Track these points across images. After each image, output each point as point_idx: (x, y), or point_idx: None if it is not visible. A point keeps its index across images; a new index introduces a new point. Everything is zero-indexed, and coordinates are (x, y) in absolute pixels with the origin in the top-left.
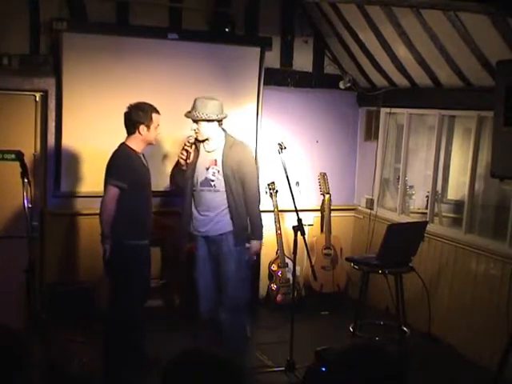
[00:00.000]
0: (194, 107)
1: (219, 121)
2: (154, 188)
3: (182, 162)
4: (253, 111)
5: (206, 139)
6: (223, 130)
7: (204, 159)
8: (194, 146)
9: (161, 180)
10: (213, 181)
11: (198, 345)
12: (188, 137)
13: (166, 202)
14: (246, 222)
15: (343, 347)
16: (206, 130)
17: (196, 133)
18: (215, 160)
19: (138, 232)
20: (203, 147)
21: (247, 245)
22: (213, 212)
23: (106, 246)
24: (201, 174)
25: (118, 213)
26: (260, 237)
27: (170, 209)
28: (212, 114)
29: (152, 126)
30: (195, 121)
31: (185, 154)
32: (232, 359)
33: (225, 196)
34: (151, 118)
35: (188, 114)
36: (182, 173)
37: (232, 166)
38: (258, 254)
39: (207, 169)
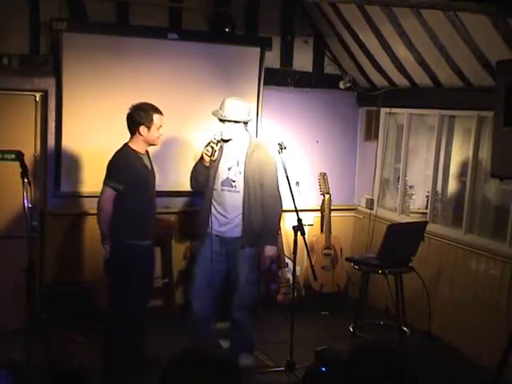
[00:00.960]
0: (222, 106)
1: (245, 123)
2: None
3: (207, 158)
4: (253, 111)
5: (231, 139)
6: (247, 131)
7: (227, 159)
8: (219, 144)
9: (161, 180)
10: (234, 181)
11: (196, 344)
12: (214, 134)
13: (167, 202)
14: (258, 227)
15: (344, 348)
16: (232, 130)
17: (222, 132)
18: (238, 161)
19: (138, 232)
20: (227, 147)
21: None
22: (231, 213)
23: (105, 245)
24: (223, 174)
25: (117, 213)
26: (272, 242)
27: (171, 210)
28: (240, 115)
29: (153, 127)
30: (222, 120)
31: (210, 150)
32: (231, 359)
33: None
34: (152, 119)
35: (215, 113)
36: (205, 170)
37: (254, 168)
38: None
39: (229, 169)
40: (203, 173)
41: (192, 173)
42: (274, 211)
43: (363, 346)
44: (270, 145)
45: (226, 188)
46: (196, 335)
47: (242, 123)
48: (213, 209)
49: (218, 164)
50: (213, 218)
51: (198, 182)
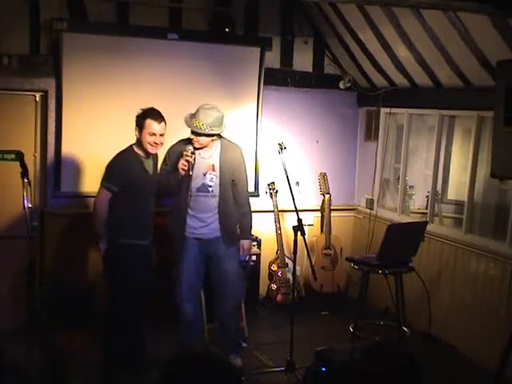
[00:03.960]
0: (196, 117)
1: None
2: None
3: (183, 172)
4: (253, 111)
5: (203, 147)
6: (219, 134)
7: (201, 165)
8: (193, 156)
9: None
10: (210, 186)
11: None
12: (187, 144)
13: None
14: (235, 225)
15: (344, 348)
16: (206, 140)
17: (195, 141)
18: (213, 165)
19: (133, 232)
20: (199, 153)
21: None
22: (208, 214)
23: (100, 245)
24: (198, 180)
25: (112, 213)
26: (249, 236)
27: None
28: (215, 128)
29: (144, 131)
30: (195, 132)
31: (187, 164)
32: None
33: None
34: (144, 122)
35: (190, 124)
36: (177, 180)
37: (228, 168)
38: (258, 255)
39: (204, 174)
40: (175, 183)
41: (162, 182)
42: (248, 207)
43: (372, 348)
44: (236, 141)
45: (201, 194)
46: (188, 337)
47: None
48: (188, 213)
49: (192, 172)
50: (189, 221)
51: (169, 191)
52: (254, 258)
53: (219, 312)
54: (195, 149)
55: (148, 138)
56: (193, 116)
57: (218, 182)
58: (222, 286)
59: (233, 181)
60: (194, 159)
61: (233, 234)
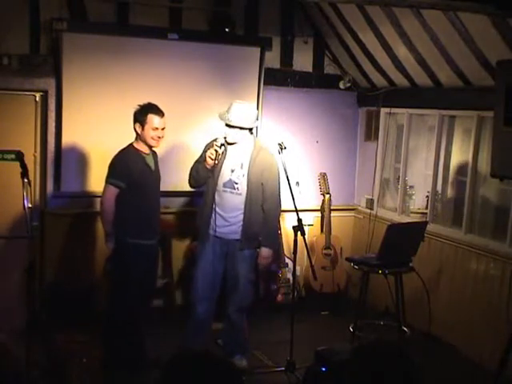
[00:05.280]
0: (229, 110)
1: (251, 129)
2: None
3: (210, 161)
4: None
5: (235, 143)
6: (252, 134)
7: (230, 161)
8: (222, 147)
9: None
10: (237, 183)
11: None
12: (217, 137)
13: (167, 201)
14: (257, 229)
15: (345, 348)
16: (237, 135)
17: (227, 135)
18: (242, 163)
19: (140, 231)
20: (231, 149)
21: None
22: (231, 214)
23: (109, 244)
24: (225, 176)
25: (119, 212)
26: (272, 245)
27: (170, 210)
28: (247, 122)
29: (146, 126)
30: (228, 125)
31: (214, 153)
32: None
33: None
34: (146, 117)
35: (222, 117)
36: (205, 172)
37: (257, 171)
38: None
39: (232, 171)
40: (204, 175)
41: (191, 173)
42: (274, 214)
43: (364, 347)
44: (273, 148)
45: (227, 190)
46: (196, 337)
47: (248, 129)
48: (213, 210)
49: (222, 165)
50: (213, 219)
51: (198, 182)
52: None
53: (227, 312)
54: (228, 143)
55: (151, 133)
56: (227, 110)
57: (245, 181)
58: (231, 288)
59: (262, 184)
60: (223, 153)
61: (253, 238)
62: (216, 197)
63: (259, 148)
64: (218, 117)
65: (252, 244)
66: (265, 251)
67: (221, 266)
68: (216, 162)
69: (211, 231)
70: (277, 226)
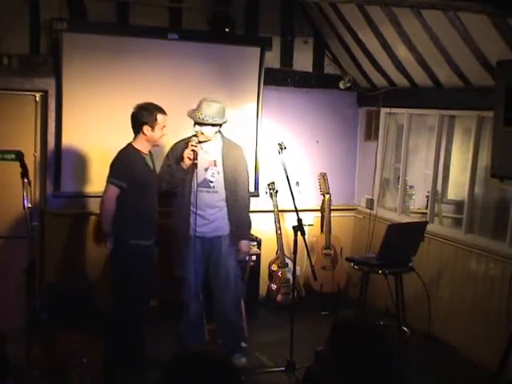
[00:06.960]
0: (199, 109)
1: (221, 125)
2: None
3: (189, 162)
4: (253, 111)
5: (206, 140)
6: (220, 131)
7: (203, 160)
8: (199, 146)
9: None
10: (212, 182)
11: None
12: (191, 137)
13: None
14: (236, 223)
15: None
16: (210, 132)
17: (199, 134)
18: (214, 161)
19: (139, 232)
20: (201, 148)
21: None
22: (210, 211)
23: (108, 244)
24: (200, 175)
25: (119, 212)
26: (247, 236)
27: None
28: (218, 118)
29: (157, 127)
30: (199, 123)
31: (192, 153)
32: (231, 360)
33: (222, 197)
34: (156, 119)
35: (193, 115)
36: (181, 173)
37: (231, 166)
38: (258, 255)
39: (206, 170)
40: (180, 176)
41: (164, 177)
42: (247, 205)
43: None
44: (239, 142)
45: (204, 189)
46: (190, 337)
47: (218, 125)
48: (191, 211)
49: (197, 161)
50: (193, 219)
51: (172, 185)
52: (254, 258)
53: (221, 311)
54: (199, 142)
55: (160, 133)
56: (195, 109)
57: (221, 178)
58: (222, 286)
59: (236, 178)
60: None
61: (243, 229)
62: (191, 198)
63: (228, 144)
64: (188, 116)
65: (239, 236)
66: (244, 243)
67: (204, 266)
68: (195, 161)
69: (191, 232)
70: (249, 217)
